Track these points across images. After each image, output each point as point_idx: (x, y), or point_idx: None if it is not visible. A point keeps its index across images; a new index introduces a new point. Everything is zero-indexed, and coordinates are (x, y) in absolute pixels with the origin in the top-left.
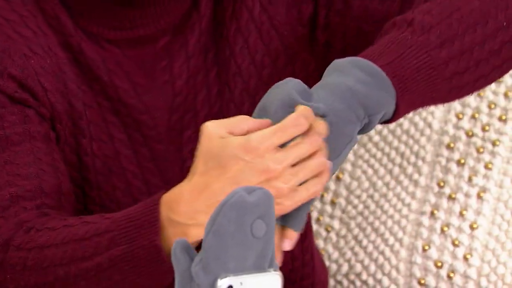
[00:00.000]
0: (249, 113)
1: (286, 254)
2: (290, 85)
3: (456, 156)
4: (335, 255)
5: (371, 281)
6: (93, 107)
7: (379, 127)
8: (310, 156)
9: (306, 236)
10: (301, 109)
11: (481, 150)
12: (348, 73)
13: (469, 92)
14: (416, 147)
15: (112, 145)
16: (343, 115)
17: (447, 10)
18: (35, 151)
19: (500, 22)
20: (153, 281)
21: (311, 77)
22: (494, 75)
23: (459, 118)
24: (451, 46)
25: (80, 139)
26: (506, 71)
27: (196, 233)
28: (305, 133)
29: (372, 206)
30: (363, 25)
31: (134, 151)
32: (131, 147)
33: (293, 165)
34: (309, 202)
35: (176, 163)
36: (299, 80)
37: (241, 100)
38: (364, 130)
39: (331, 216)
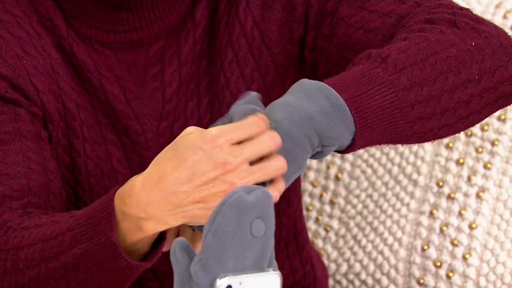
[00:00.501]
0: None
1: (286, 266)
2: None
3: (455, 155)
4: (334, 254)
5: (370, 281)
6: (87, 109)
7: None
8: (269, 158)
9: (304, 247)
10: (261, 115)
11: (480, 149)
12: (313, 99)
13: (431, 138)
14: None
15: (105, 146)
16: (298, 142)
17: (423, 53)
18: (25, 150)
19: (473, 74)
20: (119, 278)
21: None
22: (459, 126)
23: None
24: (420, 90)
25: (73, 140)
26: (472, 124)
27: (150, 227)
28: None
29: (371, 206)
30: (345, 53)
31: (125, 154)
32: (122, 150)
33: (252, 164)
34: None
35: None
36: (259, 95)
37: None
38: (313, 157)
39: (330, 216)
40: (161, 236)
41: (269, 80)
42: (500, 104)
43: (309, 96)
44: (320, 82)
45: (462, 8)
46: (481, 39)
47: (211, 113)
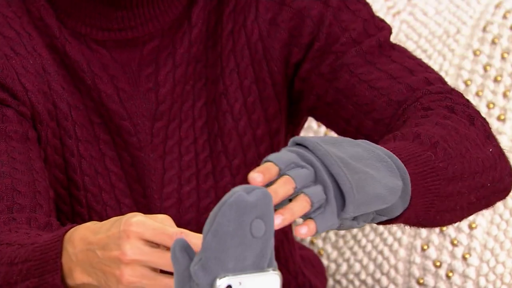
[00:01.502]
0: (230, 135)
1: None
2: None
3: None
4: (334, 254)
5: (370, 281)
6: (79, 108)
7: None
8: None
9: (287, 259)
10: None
11: None
12: (395, 176)
13: (436, 226)
14: None
15: (98, 146)
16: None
17: (461, 148)
18: (10, 151)
19: (488, 179)
20: None
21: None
22: (458, 221)
23: None
24: (456, 184)
25: (66, 140)
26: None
27: (76, 274)
28: None
29: None
30: (343, 99)
31: (117, 154)
32: (115, 149)
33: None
34: None
35: (157, 171)
36: None
37: (224, 120)
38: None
39: None
40: None
41: (266, 96)
42: (484, 206)
43: (391, 171)
44: (395, 157)
45: (468, 101)
46: (494, 148)
47: (206, 117)
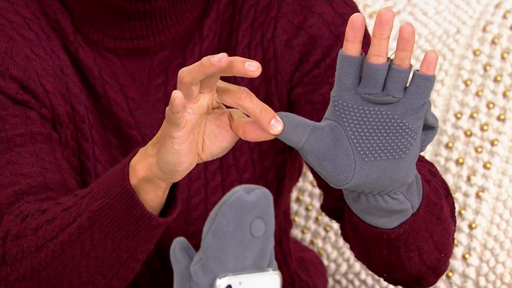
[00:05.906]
0: (242, 149)
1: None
2: None
3: (455, 155)
4: (334, 254)
5: (369, 281)
6: (93, 112)
7: None
8: None
9: (281, 263)
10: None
11: (480, 149)
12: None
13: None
14: None
15: (110, 150)
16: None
17: (444, 214)
18: (38, 152)
19: (440, 253)
20: (134, 235)
21: None
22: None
23: (457, 118)
24: (430, 225)
25: (82, 143)
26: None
27: (152, 151)
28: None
29: None
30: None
31: None
32: (125, 155)
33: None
34: None
35: None
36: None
37: None
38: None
39: None
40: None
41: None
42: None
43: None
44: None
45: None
46: (453, 229)
47: None
